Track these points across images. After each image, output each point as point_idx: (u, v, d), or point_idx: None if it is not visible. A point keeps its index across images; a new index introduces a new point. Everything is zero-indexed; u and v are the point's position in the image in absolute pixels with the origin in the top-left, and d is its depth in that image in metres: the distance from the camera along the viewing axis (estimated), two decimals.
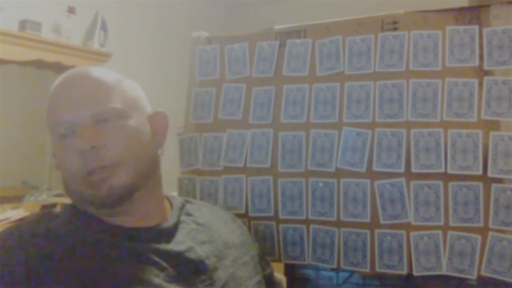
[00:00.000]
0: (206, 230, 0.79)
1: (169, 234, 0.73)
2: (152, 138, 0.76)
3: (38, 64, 2.55)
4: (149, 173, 0.74)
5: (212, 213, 0.87)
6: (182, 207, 0.81)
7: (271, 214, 1.05)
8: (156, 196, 0.78)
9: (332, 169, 1.01)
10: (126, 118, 0.71)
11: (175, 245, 0.72)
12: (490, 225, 0.90)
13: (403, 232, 0.95)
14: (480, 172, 0.91)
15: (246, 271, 0.79)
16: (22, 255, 0.61)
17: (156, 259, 0.67)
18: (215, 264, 0.74)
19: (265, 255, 0.95)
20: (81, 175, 0.67)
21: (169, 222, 0.75)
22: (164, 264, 0.67)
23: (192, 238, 0.75)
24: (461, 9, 0.98)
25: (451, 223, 0.93)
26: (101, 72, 0.73)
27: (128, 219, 0.71)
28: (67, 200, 0.76)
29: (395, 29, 1.01)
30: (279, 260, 1.05)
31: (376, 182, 0.98)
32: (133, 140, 0.71)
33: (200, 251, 0.73)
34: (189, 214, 0.81)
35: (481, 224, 0.91)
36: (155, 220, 0.74)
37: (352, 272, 1.01)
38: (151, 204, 0.75)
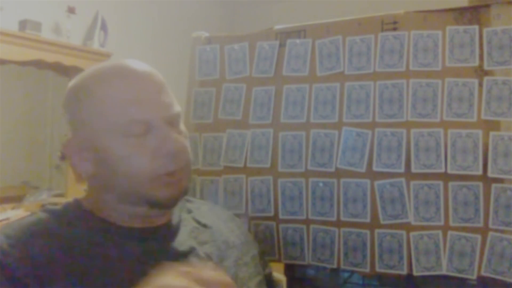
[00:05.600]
0: (207, 229, 0.79)
1: (172, 233, 0.73)
2: None
3: (38, 64, 2.55)
4: None
5: (212, 212, 0.87)
6: (182, 206, 0.81)
7: (271, 214, 1.05)
8: None
9: (332, 169, 1.01)
10: (181, 122, 0.74)
11: (178, 245, 0.72)
12: (490, 225, 0.90)
13: (403, 232, 0.95)
14: (480, 172, 0.91)
15: (247, 271, 0.79)
16: (28, 256, 0.61)
17: (161, 259, 0.67)
18: (217, 265, 0.73)
19: (264, 255, 0.95)
20: (157, 175, 0.67)
21: (172, 222, 0.75)
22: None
23: (194, 237, 0.75)
24: (461, 9, 0.98)
25: (451, 223, 0.93)
26: (154, 70, 0.73)
27: (135, 220, 0.71)
28: (67, 200, 0.75)
29: (395, 29, 1.01)
30: (279, 260, 1.05)
31: (376, 182, 0.98)
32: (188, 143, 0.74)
33: (202, 252, 0.73)
34: (189, 211, 0.81)
35: (481, 224, 0.91)
36: (160, 220, 0.74)
37: (352, 272, 1.01)
38: None
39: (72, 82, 0.72)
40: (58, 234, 0.65)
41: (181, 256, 0.70)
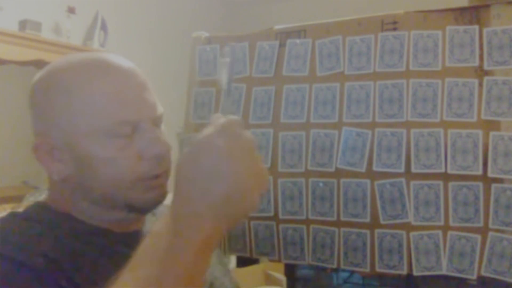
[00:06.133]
0: None
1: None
2: None
3: (38, 64, 2.54)
4: None
5: None
6: (153, 213, 0.79)
7: (271, 214, 1.05)
8: None
9: (332, 169, 1.01)
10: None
11: None
12: (490, 225, 0.90)
13: (403, 232, 0.95)
14: (480, 172, 0.91)
15: (220, 270, 0.79)
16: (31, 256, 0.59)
17: None
18: None
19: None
20: (142, 179, 0.63)
21: (146, 226, 0.71)
22: None
23: None
24: (461, 9, 0.98)
25: (451, 223, 0.93)
26: (135, 66, 0.68)
27: (111, 224, 0.67)
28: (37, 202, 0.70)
29: (395, 29, 1.01)
30: (279, 260, 1.05)
31: (376, 182, 0.98)
32: None
33: None
34: (154, 214, 0.76)
35: (481, 224, 0.91)
36: (135, 226, 0.70)
37: (352, 272, 1.01)
38: None
39: (40, 76, 0.65)
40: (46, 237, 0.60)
41: None
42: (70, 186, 0.65)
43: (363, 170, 0.99)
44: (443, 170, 0.93)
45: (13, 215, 0.64)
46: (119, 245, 0.64)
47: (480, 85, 0.94)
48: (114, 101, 0.61)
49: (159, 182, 0.65)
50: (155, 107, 0.66)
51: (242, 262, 1.73)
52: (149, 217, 0.73)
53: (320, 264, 1.02)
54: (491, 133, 0.92)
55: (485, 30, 0.95)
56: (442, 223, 0.93)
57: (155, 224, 0.51)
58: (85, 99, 0.61)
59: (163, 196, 0.67)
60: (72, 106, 0.61)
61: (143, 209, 0.67)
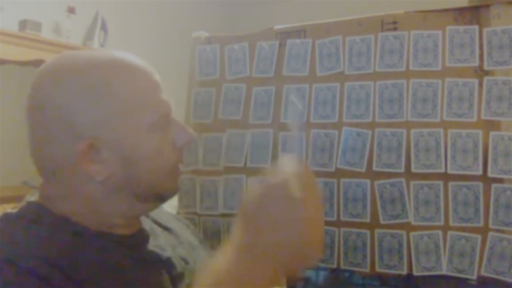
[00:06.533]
0: (171, 233, 0.77)
1: (147, 239, 0.69)
2: None
3: (38, 64, 2.53)
4: None
5: (166, 214, 0.84)
6: None
7: None
8: None
9: (332, 169, 1.01)
10: None
11: (160, 250, 0.68)
12: (490, 225, 0.90)
13: (403, 232, 0.95)
14: (480, 172, 0.91)
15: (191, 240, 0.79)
16: (36, 261, 0.56)
17: (158, 264, 0.66)
18: (193, 267, 0.72)
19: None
20: (175, 167, 0.67)
21: (145, 227, 0.71)
22: (163, 270, 0.66)
23: (165, 242, 0.72)
24: (461, 9, 0.98)
25: (451, 223, 0.93)
26: None
27: (116, 227, 0.66)
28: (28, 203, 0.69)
29: (395, 29, 1.01)
30: None
31: (376, 182, 0.98)
32: None
33: (181, 255, 0.72)
34: (150, 217, 0.76)
35: (481, 224, 0.91)
36: (136, 225, 0.69)
37: (352, 272, 1.01)
38: None
39: (66, 77, 0.60)
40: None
41: (167, 261, 0.68)
42: (111, 185, 0.62)
43: (363, 170, 0.99)
44: (443, 170, 0.93)
45: (8, 216, 0.63)
46: (122, 248, 0.64)
47: (480, 85, 0.94)
48: (153, 96, 0.64)
49: (180, 170, 0.68)
50: (170, 102, 0.68)
51: None
52: (143, 218, 0.73)
53: (320, 264, 1.02)
54: (491, 133, 0.92)
55: (485, 30, 0.95)
56: (442, 223, 0.93)
57: (215, 262, 0.51)
58: (127, 98, 0.61)
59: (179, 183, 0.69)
60: (116, 106, 0.60)
61: (169, 197, 0.69)
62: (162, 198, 0.67)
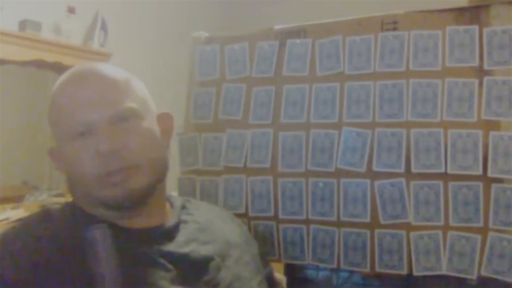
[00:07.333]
0: (207, 230, 0.78)
1: (171, 234, 0.72)
2: (161, 139, 0.75)
3: (38, 64, 2.55)
4: (163, 175, 0.74)
5: (212, 212, 0.87)
6: (183, 207, 0.81)
7: (271, 214, 1.05)
8: (162, 197, 0.77)
9: (332, 169, 1.01)
10: (141, 119, 0.71)
11: (178, 246, 0.71)
12: (490, 225, 0.90)
13: (403, 232, 0.95)
14: (480, 172, 0.91)
15: (249, 271, 0.79)
16: (29, 261, 0.60)
17: (162, 261, 0.67)
18: (219, 265, 0.73)
19: (264, 255, 0.95)
20: (98, 176, 0.66)
21: (170, 222, 0.74)
22: (169, 266, 0.67)
23: (194, 238, 0.74)
24: (461, 9, 0.98)
25: (451, 223, 0.93)
26: (111, 70, 0.73)
27: (132, 221, 0.70)
28: (68, 200, 0.75)
29: (395, 29, 1.01)
30: (279, 260, 1.05)
31: (376, 182, 0.98)
32: (149, 141, 0.71)
33: (204, 252, 0.73)
34: (190, 214, 0.80)
35: (481, 224, 0.91)
36: (157, 221, 0.73)
37: (352, 272, 1.01)
38: (157, 205, 0.75)
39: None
40: (63, 237, 0.65)
41: (183, 257, 0.69)
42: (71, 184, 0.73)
43: (363, 170, 0.99)
44: (443, 170, 0.94)
45: (48, 213, 0.71)
46: (130, 243, 0.68)
47: (480, 85, 0.94)
48: (65, 103, 0.69)
49: (117, 178, 0.67)
50: (115, 104, 0.68)
51: None
52: (177, 211, 0.77)
53: (320, 264, 1.02)
54: (491, 133, 0.92)
55: (485, 30, 0.95)
56: (442, 223, 0.93)
57: None
58: (56, 107, 0.70)
59: (127, 193, 0.67)
60: (53, 114, 0.71)
61: (110, 206, 0.68)
62: (105, 206, 0.69)
